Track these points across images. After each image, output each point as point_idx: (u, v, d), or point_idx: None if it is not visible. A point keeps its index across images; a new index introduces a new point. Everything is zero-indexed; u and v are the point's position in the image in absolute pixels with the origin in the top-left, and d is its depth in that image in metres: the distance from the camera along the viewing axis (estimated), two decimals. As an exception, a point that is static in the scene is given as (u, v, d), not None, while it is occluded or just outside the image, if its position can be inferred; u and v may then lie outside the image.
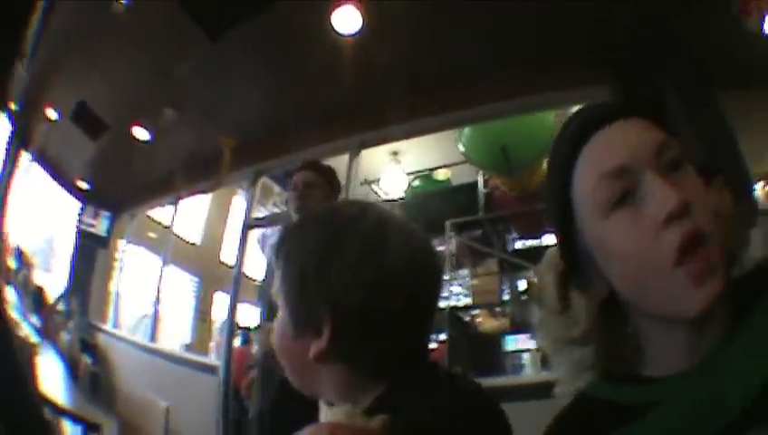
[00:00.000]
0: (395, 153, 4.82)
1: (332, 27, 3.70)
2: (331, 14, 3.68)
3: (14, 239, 4.17)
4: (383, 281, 0.81)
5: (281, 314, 0.88)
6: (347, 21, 3.71)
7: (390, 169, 4.88)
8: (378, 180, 4.98)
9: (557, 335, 0.87)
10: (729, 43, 3.53)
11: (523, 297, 4.40)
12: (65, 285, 5.17)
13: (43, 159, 4.82)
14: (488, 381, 3.52)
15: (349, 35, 3.74)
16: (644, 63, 3.72)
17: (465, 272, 4.87)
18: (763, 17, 3.47)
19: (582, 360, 0.80)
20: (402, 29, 3.73)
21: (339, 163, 4.08)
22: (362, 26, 3.70)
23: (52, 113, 4.55)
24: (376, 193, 5.14)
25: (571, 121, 0.76)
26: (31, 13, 3.05)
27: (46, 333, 4.39)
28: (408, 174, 5.02)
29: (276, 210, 4.92)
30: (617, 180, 0.68)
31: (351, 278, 0.80)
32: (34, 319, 4.30)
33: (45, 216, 5.18)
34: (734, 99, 3.56)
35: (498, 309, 4.68)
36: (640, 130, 0.71)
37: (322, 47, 3.79)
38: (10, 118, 3.76)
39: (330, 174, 2.52)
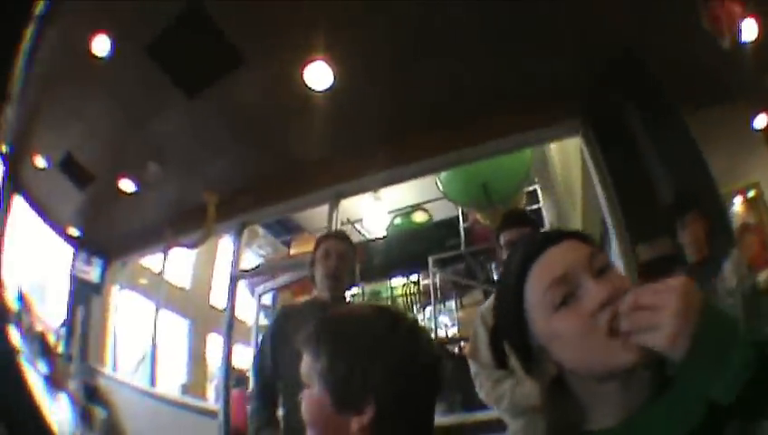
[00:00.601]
0: (376, 195, 4.92)
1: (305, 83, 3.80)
2: (303, 69, 3.78)
3: (12, 281, 4.24)
4: (416, 374, 1.06)
5: (316, 390, 1.07)
6: (318, 77, 3.81)
7: (372, 209, 4.97)
8: (360, 220, 5.08)
9: (515, 402, 1.24)
10: (696, 60, 3.63)
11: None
12: (63, 330, 5.24)
13: (34, 204, 4.89)
14: (477, 416, 3.62)
15: (321, 90, 3.84)
16: (610, 96, 3.82)
17: (452, 304, 4.98)
18: (737, 28, 3.57)
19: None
20: (372, 83, 3.85)
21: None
22: (333, 82, 3.80)
23: (40, 161, 4.62)
24: (359, 232, 5.24)
25: (517, 251, 0.97)
26: (14, 54, 3.11)
27: (56, 379, 4.46)
28: (390, 212, 5.10)
29: (261, 252, 5.02)
30: (561, 286, 0.88)
31: (392, 376, 1.03)
32: (41, 365, 4.36)
33: (38, 260, 5.24)
34: (702, 115, 3.68)
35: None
36: (573, 248, 0.92)
37: (296, 102, 3.90)
38: (2, 159, 3.82)
39: (355, 247, 2.58)
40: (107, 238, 5.44)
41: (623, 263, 3.71)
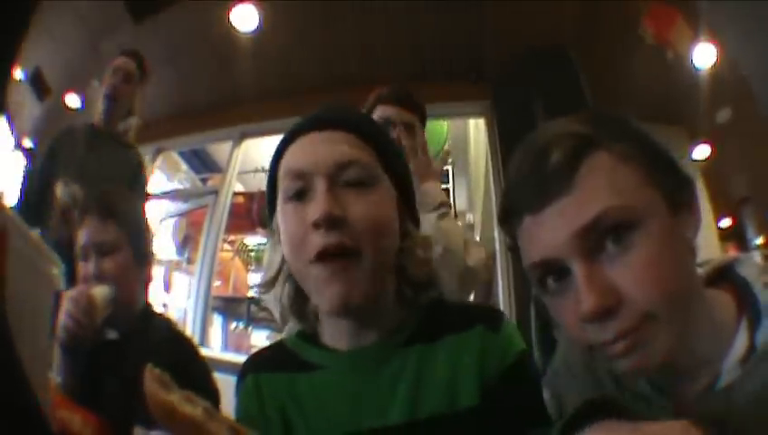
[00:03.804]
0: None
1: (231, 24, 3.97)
2: (230, 10, 3.95)
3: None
4: None
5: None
6: (244, 18, 3.97)
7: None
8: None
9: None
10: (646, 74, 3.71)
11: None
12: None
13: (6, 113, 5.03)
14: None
15: (246, 33, 4.00)
16: (522, 84, 3.90)
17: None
18: (689, 45, 3.55)
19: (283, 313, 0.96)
20: (296, 30, 4.00)
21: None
22: (259, 25, 3.96)
23: (18, 73, 4.78)
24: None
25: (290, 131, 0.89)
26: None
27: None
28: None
29: (180, 186, 5.18)
30: (296, 181, 0.82)
31: None
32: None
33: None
34: None
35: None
36: (329, 141, 0.84)
37: (222, 42, 4.06)
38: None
39: (425, 113, 2.02)
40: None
41: (501, 250, 3.80)
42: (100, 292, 1.46)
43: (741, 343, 0.71)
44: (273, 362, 0.93)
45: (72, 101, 4.92)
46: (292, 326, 1.16)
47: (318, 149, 0.83)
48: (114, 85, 2.49)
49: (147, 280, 1.65)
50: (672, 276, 0.68)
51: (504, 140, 3.93)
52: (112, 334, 1.52)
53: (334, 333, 0.90)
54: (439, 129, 4.43)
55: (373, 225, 0.80)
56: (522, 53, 3.83)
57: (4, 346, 0.60)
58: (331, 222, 0.77)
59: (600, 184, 0.69)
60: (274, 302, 0.96)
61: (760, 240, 4.73)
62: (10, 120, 5.17)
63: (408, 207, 0.92)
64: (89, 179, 2.11)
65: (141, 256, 1.60)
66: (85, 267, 1.50)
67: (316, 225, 0.77)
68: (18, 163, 5.48)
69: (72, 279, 1.49)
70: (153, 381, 0.66)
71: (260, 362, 0.96)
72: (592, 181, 0.69)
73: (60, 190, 2.07)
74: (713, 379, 0.71)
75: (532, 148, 0.75)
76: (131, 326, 1.53)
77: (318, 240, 0.77)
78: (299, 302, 0.90)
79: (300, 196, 0.81)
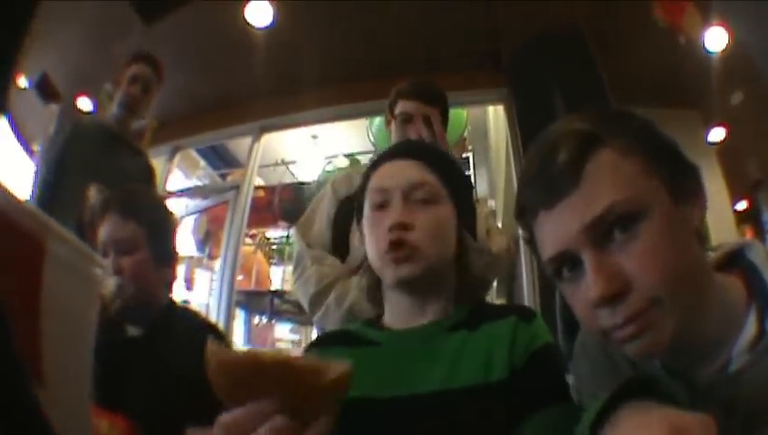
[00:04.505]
0: (314, 136, 5.07)
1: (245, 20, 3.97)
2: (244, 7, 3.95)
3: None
4: None
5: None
6: (259, 14, 3.97)
7: (307, 152, 5.11)
8: (294, 162, 5.23)
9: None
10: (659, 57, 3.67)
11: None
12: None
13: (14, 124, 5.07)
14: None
15: (261, 28, 4.00)
16: (539, 69, 3.87)
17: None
18: (690, 24, 3.52)
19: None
20: (310, 27, 3.99)
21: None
22: (274, 21, 3.96)
23: (23, 81, 4.81)
24: (292, 174, 5.39)
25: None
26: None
27: None
28: (326, 158, 5.23)
29: (198, 183, 5.20)
30: (380, 194, 1.09)
31: None
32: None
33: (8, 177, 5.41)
34: (652, 115, 3.71)
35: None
36: (404, 168, 1.11)
37: (237, 38, 4.07)
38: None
39: (447, 104, 2.02)
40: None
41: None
42: (106, 284, 1.45)
43: (750, 328, 0.74)
44: (336, 339, 1.17)
45: (84, 104, 4.95)
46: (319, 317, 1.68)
47: (396, 173, 1.11)
48: (132, 95, 2.49)
49: (170, 280, 1.64)
50: (675, 262, 0.72)
51: (524, 126, 3.90)
52: (134, 331, 1.52)
53: (394, 315, 1.13)
54: (459, 116, 4.40)
55: (431, 230, 1.06)
56: (537, 38, 3.79)
57: (4, 347, 0.58)
58: (401, 225, 1.04)
59: (606, 179, 0.74)
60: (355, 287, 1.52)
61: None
62: (17, 130, 5.20)
63: (464, 220, 1.15)
64: (109, 183, 2.12)
65: (162, 256, 1.58)
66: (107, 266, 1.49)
67: (391, 227, 1.04)
68: (27, 168, 5.54)
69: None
70: (215, 346, 0.62)
71: (324, 339, 1.22)
72: (598, 177, 0.74)
73: (93, 196, 2.08)
74: (724, 363, 0.75)
75: (542, 147, 0.81)
76: (154, 323, 1.51)
77: (392, 236, 1.04)
78: (373, 288, 1.18)
79: (381, 207, 1.09)
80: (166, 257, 1.59)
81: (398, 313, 1.12)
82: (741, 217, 4.57)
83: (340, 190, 1.91)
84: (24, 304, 0.58)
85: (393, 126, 1.96)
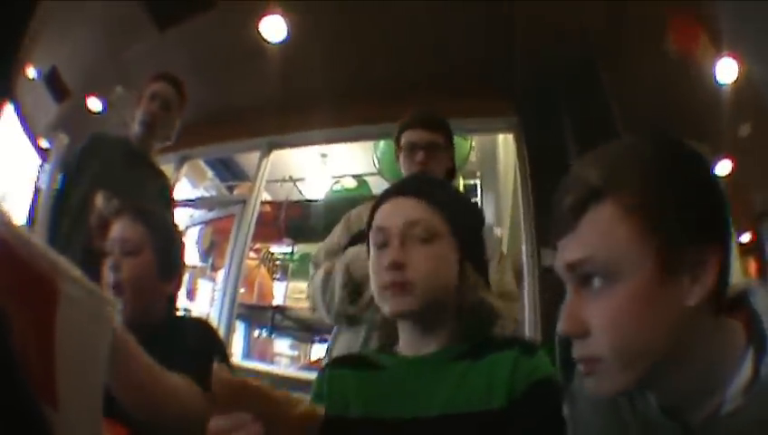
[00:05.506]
0: (324, 155, 5.08)
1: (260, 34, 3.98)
2: (259, 21, 3.96)
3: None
4: None
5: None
6: (273, 29, 3.98)
7: (316, 170, 5.11)
8: (302, 179, 5.23)
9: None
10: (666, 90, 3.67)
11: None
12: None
13: (20, 112, 5.06)
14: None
15: (275, 43, 4.01)
16: (551, 102, 3.88)
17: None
18: (712, 60, 3.51)
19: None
20: (326, 43, 4.01)
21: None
22: (288, 36, 3.97)
23: (31, 71, 4.81)
24: (299, 191, 5.39)
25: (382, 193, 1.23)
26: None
27: None
28: (334, 177, 5.23)
29: (206, 194, 5.20)
30: (380, 233, 1.13)
31: None
32: None
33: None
34: None
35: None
36: (405, 207, 1.14)
37: (250, 51, 4.08)
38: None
39: (450, 130, 2.07)
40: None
41: (528, 265, 3.78)
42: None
43: (746, 372, 0.74)
44: (349, 361, 1.23)
45: (94, 104, 4.95)
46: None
47: (395, 211, 1.14)
48: (152, 112, 2.46)
49: (173, 293, 1.62)
50: (635, 335, 0.72)
51: (533, 156, 3.90)
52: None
53: (404, 343, 1.17)
54: (463, 144, 4.40)
55: (428, 268, 1.09)
56: (548, 68, 3.81)
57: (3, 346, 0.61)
58: (396, 265, 1.08)
59: (594, 234, 0.75)
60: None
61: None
62: (24, 120, 5.19)
63: (470, 255, 1.17)
64: (125, 196, 2.12)
65: (166, 267, 1.56)
66: (108, 263, 1.49)
67: (387, 267, 1.08)
68: (32, 162, 5.53)
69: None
70: (222, 370, 0.80)
71: (338, 361, 1.28)
72: (589, 229, 0.75)
73: (100, 202, 2.09)
74: (718, 406, 0.74)
75: (561, 185, 0.82)
76: (154, 333, 1.48)
77: (388, 277, 1.08)
78: (386, 318, 1.18)
79: (382, 246, 1.12)
80: (169, 270, 1.57)
81: (406, 341, 1.17)
82: (745, 249, 4.56)
83: (353, 225, 1.98)
84: (40, 340, 0.64)
85: (401, 158, 2.02)
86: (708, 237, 0.73)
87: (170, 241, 1.62)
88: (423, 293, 1.07)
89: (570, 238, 0.77)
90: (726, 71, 3.50)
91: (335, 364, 1.25)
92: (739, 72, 3.46)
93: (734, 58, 3.46)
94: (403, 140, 2.00)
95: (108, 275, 1.46)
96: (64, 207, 2.38)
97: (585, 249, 0.74)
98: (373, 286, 1.14)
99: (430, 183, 1.28)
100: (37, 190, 5.39)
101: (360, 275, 1.71)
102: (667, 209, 0.72)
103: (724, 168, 4.20)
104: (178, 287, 1.65)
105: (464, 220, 1.19)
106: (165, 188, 2.62)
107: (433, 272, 1.10)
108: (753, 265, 4.51)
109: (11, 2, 2.88)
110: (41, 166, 5.43)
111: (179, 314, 1.73)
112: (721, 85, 3.54)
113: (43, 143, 5.46)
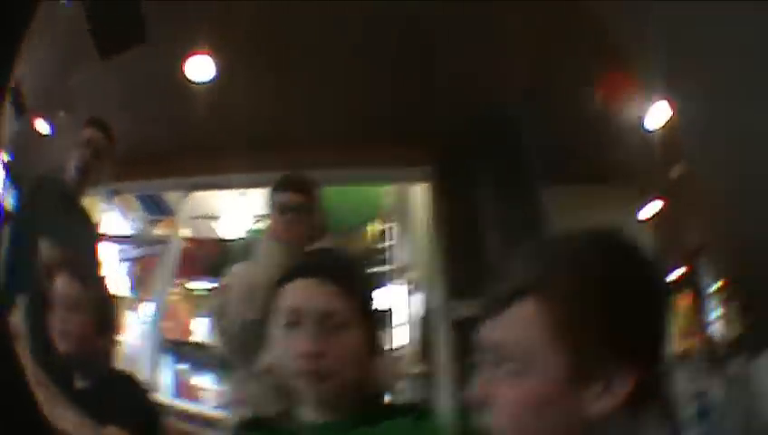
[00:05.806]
0: (243, 193, 5.08)
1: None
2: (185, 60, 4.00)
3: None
4: None
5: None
6: (200, 70, 4.02)
7: (234, 209, 5.14)
8: (218, 217, 5.27)
9: None
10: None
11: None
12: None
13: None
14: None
15: (201, 83, 4.05)
16: (466, 149, 3.92)
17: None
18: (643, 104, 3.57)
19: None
20: (252, 85, 4.05)
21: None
22: (215, 76, 4.01)
23: None
24: (215, 230, 5.40)
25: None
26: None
27: None
28: (255, 216, 5.22)
29: (133, 225, 5.20)
30: (289, 314, 1.17)
31: None
32: None
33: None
34: (583, 191, 3.77)
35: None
36: (309, 289, 1.19)
37: (176, 89, 4.11)
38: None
39: (318, 192, 2.30)
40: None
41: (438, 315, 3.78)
42: None
43: None
44: (256, 424, 1.31)
45: (42, 126, 4.93)
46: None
47: (307, 296, 1.18)
48: (85, 160, 2.55)
49: (108, 347, 1.76)
50: (532, 431, 0.73)
51: (446, 207, 3.94)
52: (81, 383, 1.70)
53: (308, 412, 1.20)
54: (374, 195, 4.44)
55: (343, 357, 1.16)
56: (468, 119, 3.90)
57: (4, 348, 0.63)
58: (312, 355, 1.13)
59: (513, 327, 0.75)
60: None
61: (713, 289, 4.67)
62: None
63: (372, 336, 1.24)
64: (64, 243, 2.19)
65: (103, 324, 1.71)
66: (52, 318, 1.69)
67: (303, 355, 1.13)
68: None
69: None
70: None
71: (248, 422, 1.38)
72: (510, 320, 0.75)
73: (45, 250, 2.17)
74: None
75: (495, 274, 0.85)
76: (96, 379, 1.70)
77: (305, 365, 1.13)
78: (283, 383, 1.23)
79: (293, 325, 1.17)
80: (106, 326, 1.72)
81: (309, 410, 1.21)
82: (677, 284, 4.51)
83: (242, 307, 2.12)
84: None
85: (272, 218, 2.26)
86: (629, 352, 0.71)
87: (104, 300, 1.78)
88: (340, 381, 1.15)
89: (491, 320, 0.78)
90: (657, 113, 3.56)
91: (248, 426, 1.35)
92: (671, 114, 3.51)
93: (666, 99, 3.50)
94: (275, 200, 2.20)
95: (56, 325, 1.69)
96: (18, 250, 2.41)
97: (496, 335, 0.76)
98: (285, 366, 1.20)
99: (336, 263, 1.37)
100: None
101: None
102: (588, 316, 0.71)
103: (652, 209, 4.20)
104: (114, 344, 1.79)
105: (368, 302, 1.29)
106: (95, 236, 2.69)
107: (349, 360, 1.17)
108: (687, 300, 4.47)
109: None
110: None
111: (112, 368, 1.88)
112: (650, 130, 3.61)
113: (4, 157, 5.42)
